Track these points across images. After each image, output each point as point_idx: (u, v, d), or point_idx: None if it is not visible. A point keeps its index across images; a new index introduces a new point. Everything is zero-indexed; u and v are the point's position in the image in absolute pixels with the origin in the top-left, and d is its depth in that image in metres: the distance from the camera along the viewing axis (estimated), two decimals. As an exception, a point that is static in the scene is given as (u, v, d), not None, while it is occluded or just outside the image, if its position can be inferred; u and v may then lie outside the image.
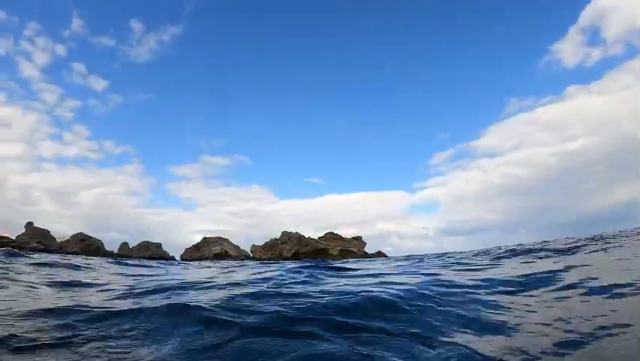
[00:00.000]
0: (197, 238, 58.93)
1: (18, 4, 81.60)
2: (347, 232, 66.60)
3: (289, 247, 62.57)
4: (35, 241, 54.36)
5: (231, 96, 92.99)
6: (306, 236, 62.85)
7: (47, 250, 50.91)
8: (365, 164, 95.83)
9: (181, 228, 78.05)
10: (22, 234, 54.28)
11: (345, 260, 41.25)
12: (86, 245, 55.08)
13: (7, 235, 54.26)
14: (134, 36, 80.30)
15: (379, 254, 64.59)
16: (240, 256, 60.04)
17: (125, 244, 56.06)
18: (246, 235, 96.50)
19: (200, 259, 56.38)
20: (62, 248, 55.16)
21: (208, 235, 58.56)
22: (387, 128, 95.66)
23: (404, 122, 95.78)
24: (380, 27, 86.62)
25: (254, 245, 60.91)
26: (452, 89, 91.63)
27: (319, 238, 63.88)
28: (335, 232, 64.75)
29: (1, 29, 75.76)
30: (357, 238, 66.11)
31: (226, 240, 59.30)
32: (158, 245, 56.96)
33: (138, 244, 56.41)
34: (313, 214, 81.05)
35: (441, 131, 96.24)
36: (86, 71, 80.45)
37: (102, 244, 55.25)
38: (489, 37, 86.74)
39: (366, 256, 63.16)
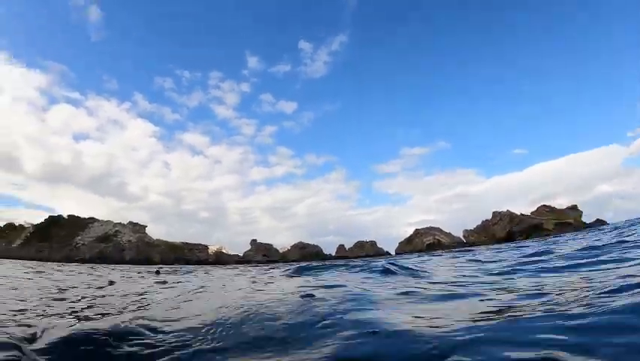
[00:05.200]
0: (410, 231, 56.89)
1: (197, 61, 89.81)
2: (561, 202, 59.68)
3: (501, 228, 57.65)
4: (260, 254, 56.62)
5: (415, 85, 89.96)
6: (518, 213, 57.32)
7: (272, 261, 52.39)
8: (569, 122, 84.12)
9: (392, 223, 78.83)
10: (249, 250, 56.93)
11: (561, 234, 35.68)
12: (306, 252, 55.96)
13: (235, 252, 57.38)
14: (306, 55, 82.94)
15: (598, 222, 56.78)
16: (453, 243, 56.72)
17: (341, 247, 56.00)
18: (457, 220, 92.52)
19: (413, 251, 54.18)
20: (284, 257, 56.77)
21: (419, 227, 56.13)
22: (588, 76, 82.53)
23: (604, 67, 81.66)
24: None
25: (465, 230, 57.11)
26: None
27: (532, 212, 57.93)
28: (548, 204, 58.27)
29: (190, 85, 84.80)
30: (573, 208, 58.73)
31: (437, 229, 56.29)
32: (373, 243, 55.95)
33: (354, 245, 55.98)
34: (523, 188, 75.00)
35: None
36: (273, 99, 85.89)
37: (321, 249, 55.72)
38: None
39: (583, 226, 55.89)
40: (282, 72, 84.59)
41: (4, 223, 65.93)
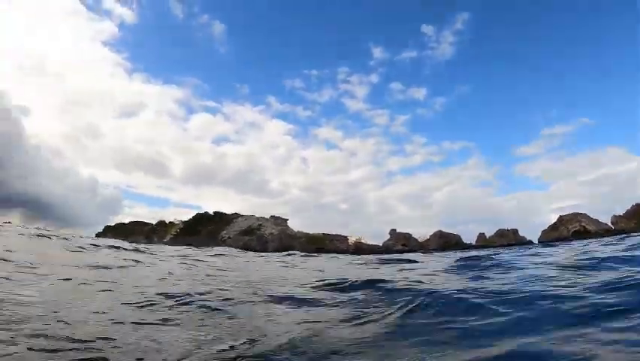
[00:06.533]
0: (554, 217, 56.19)
1: (322, 59, 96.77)
2: None
3: (654, 213, 55.03)
4: (400, 244, 58.86)
5: (552, 58, 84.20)
6: (673, 196, 54.40)
7: (411, 250, 54.20)
8: None
9: (535, 209, 75.18)
10: (388, 240, 59.48)
11: None
12: (446, 241, 57.31)
13: (375, 242, 60.23)
14: (430, 39, 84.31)
15: None
16: (600, 230, 55.06)
17: (482, 235, 56.69)
18: (604, 204, 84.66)
19: (558, 239, 53.30)
20: (423, 247, 58.53)
21: (563, 213, 55.28)
22: None
23: None
24: None
25: (614, 215, 55.19)
26: None
27: (688, 196, 54.72)
28: None
29: (319, 83, 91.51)
30: None
31: (583, 215, 55.02)
32: (515, 231, 56.01)
33: (495, 233, 56.40)
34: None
35: None
36: (402, 87, 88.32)
37: (460, 238, 56.80)
38: None
39: None
40: (409, 59, 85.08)
41: (156, 221, 74.75)
